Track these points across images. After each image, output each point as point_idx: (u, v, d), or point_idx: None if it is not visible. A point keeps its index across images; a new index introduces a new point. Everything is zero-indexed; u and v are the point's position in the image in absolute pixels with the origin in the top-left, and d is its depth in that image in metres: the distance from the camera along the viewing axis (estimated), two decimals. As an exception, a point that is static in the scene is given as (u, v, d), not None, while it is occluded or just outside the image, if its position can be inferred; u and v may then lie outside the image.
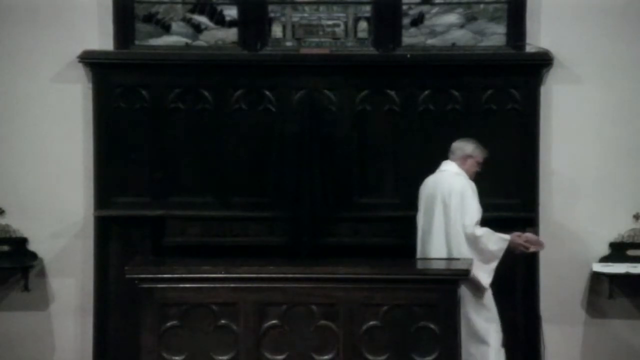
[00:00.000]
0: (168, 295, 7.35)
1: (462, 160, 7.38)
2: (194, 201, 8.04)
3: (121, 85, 8.02)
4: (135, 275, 7.41)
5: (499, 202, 7.91)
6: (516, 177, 7.96)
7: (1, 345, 8.10)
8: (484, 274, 7.14)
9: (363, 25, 8.15)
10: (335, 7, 8.19)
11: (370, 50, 8.14)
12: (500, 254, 7.17)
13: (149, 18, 8.18)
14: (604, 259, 7.89)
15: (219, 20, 8.19)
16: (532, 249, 7.36)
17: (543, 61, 7.92)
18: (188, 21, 8.21)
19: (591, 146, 7.96)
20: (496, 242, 7.17)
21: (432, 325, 7.22)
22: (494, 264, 7.18)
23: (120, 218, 8.04)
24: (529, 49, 7.97)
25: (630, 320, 8.01)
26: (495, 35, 8.12)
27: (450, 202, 7.21)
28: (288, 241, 7.88)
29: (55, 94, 8.06)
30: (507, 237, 7.22)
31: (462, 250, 7.16)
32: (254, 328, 7.32)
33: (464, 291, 7.09)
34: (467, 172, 7.37)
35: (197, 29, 8.20)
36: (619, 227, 7.96)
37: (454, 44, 8.12)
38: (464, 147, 7.40)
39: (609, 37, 7.92)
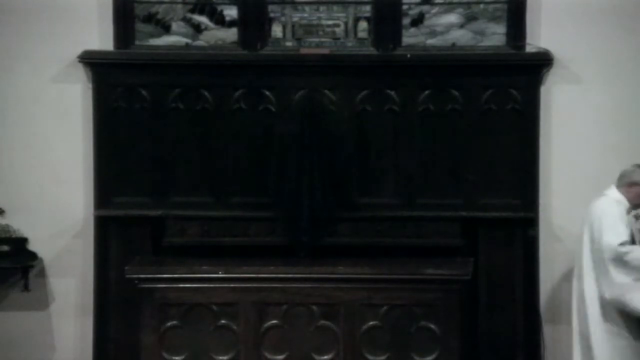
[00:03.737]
0: (168, 295, 7.37)
1: (627, 188, 7.01)
2: (193, 201, 8.03)
3: (121, 85, 8.01)
4: (135, 275, 7.44)
5: (499, 202, 7.92)
6: (516, 177, 7.96)
7: (1, 345, 8.09)
8: None
9: (363, 25, 8.15)
10: (335, 7, 8.18)
11: (370, 50, 8.13)
12: None
13: (149, 18, 8.17)
14: (604, 259, 7.88)
15: (219, 20, 8.19)
16: None
17: (543, 61, 7.91)
18: (188, 21, 8.20)
19: (591, 146, 7.96)
20: None
21: (432, 325, 7.24)
22: None
23: (120, 218, 8.03)
24: (529, 49, 7.96)
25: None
26: (495, 35, 8.11)
27: (593, 226, 6.89)
28: (288, 241, 7.88)
29: (55, 94, 8.06)
30: None
31: (612, 275, 6.77)
32: (254, 328, 7.34)
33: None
34: (631, 200, 7.01)
35: (197, 29, 8.19)
36: (619, 227, 7.96)
37: (454, 44, 8.11)
38: (632, 174, 7.03)
39: (609, 37, 7.92)
